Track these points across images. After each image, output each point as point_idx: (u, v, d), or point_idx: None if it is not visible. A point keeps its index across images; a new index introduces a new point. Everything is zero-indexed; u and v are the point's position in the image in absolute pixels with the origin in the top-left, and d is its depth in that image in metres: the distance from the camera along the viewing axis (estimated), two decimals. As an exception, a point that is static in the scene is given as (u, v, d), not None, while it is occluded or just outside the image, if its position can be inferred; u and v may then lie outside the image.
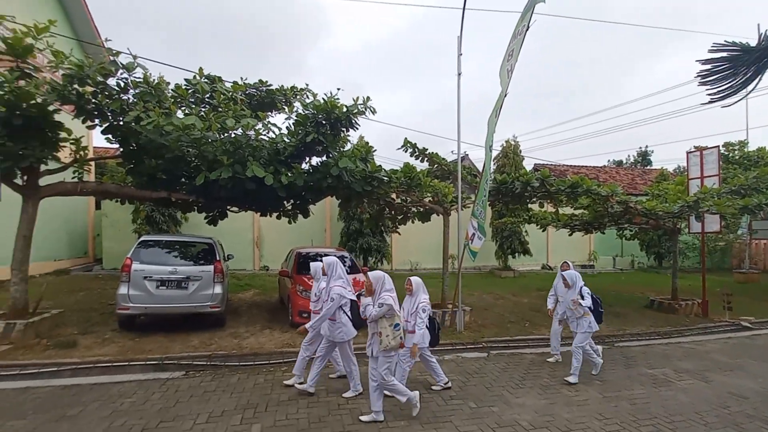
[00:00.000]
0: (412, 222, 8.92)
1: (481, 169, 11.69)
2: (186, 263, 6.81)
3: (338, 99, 6.07)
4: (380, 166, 6.77)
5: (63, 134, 6.07)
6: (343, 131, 6.39)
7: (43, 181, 6.40)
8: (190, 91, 6.41)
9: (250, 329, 7.16)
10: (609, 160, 40.68)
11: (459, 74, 7.16)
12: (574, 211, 10.03)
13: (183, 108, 5.85)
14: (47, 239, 11.78)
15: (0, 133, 5.32)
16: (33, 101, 5.34)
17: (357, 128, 6.28)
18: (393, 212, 8.47)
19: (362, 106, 6.11)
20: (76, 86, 5.33)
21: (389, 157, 16.46)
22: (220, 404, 4.38)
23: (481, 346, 6.77)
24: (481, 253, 7.46)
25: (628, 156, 41.18)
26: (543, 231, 13.42)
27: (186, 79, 6.53)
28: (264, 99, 7.49)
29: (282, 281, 8.92)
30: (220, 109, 5.98)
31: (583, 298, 5.39)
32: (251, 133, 5.77)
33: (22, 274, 6.18)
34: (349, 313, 4.54)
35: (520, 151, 16.42)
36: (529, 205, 10.56)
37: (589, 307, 5.38)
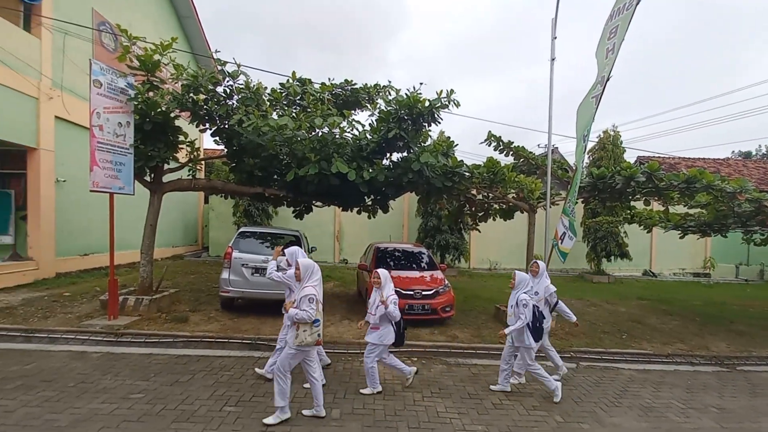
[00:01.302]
0: (493, 219, 8.54)
1: (572, 163, 10.75)
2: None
3: (420, 93, 6.03)
4: (461, 161, 6.57)
5: (181, 137, 7.03)
6: (425, 126, 6.33)
7: (165, 179, 7.44)
8: (283, 94, 6.92)
9: (330, 319, 7.49)
10: (734, 152, 34.49)
11: (552, 59, 6.60)
12: (688, 210, 8.68)
13: (277, 110, 6.35)
14: (167, 228, 13.72)
15: (135, 138, 6.35)
16: (159, 109, 6.28)
17: (439, 122, 6.18)
18: (473, 209, 8.19)
19: (446, 99, 5.98)
20: (191, 95, 6.12)
21: (471, 152, 16.03)
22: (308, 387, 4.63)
23: (569, 355, 6.24)
24: (570, 255, 6.85)
25: (759, 146, 34.45)
26: (647, 232, 11.87)
27: (280, 83, 7.08)
28: (349, 98, 7.77)
29: (360, 275, 9.19)
30: (309, 110, 6.35)
31: (524, 305, 4.63)
32: (336, 130, 6.03)
33: (148, 258, 7.26)
34: None
35: (621, 142, 14.73)
36: (632, 203, 9.39)
37: (529, 321, 4.62)
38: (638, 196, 7.60)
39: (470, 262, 15.70)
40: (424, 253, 8.67)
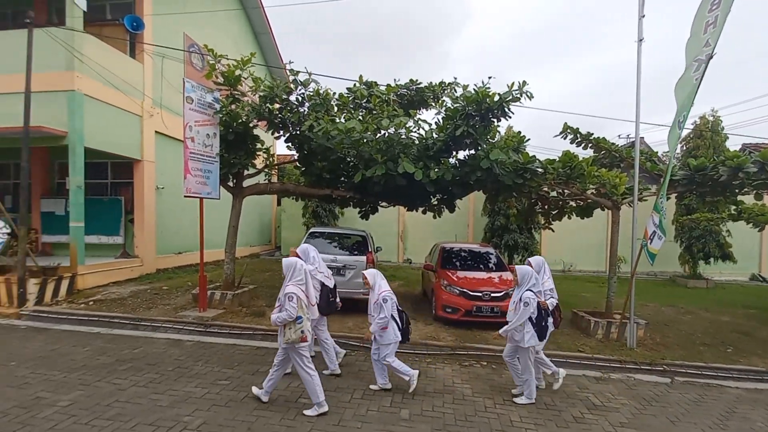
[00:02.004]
0: (569, 217, 7.95)
1: (661, 153, 9.66)
2: (343, 253, 7.62)
3: (489, 88, 5.82)
4: (533, 156, 6.22)
5: (258, 145, 7.60)
6: (494, 122, 6.10)
7: (245, 184, 8.06)
8: (350, 98, 7.14)
9: (396, 318, 7.56)
10: None
11: (640, 40, 5.94)
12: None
13: (345, 114, 6.57)
14: (245, 229, 14.87)
15: (220, 147, 7.00)
16: (240, 120, 6.84)
17: (510, 116, 5.91)
18: (546, 207, 7.70)
19: (517, 92, 5.70)
20: (268, 105, 6.57)
21: (541, 147, 15.12)
22: (373, 383, 4.72)
23: (662, 369, 5.61)
24: (659, 256, 6.15)
25: None
26: (759, 230, 10.23)
27: (347, 88, 7.33)
28: (414, 97, 7.77)
29: (426, 275, 9.14)
30: (374, 112, 6.47)
31: (526, 304, 4.21)
32: (402, 131, 6.05)
33: (231, 256, 7.94)
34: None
35: (722, 129, 12.90)
36: (739, 197, 8.16)
37: (533, 317, 4.24)
38: (746, 190, 6.57)
39: (541, 263, 14.85)
40: (491, 254, 8.37)
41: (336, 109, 6.60)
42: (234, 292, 7.71)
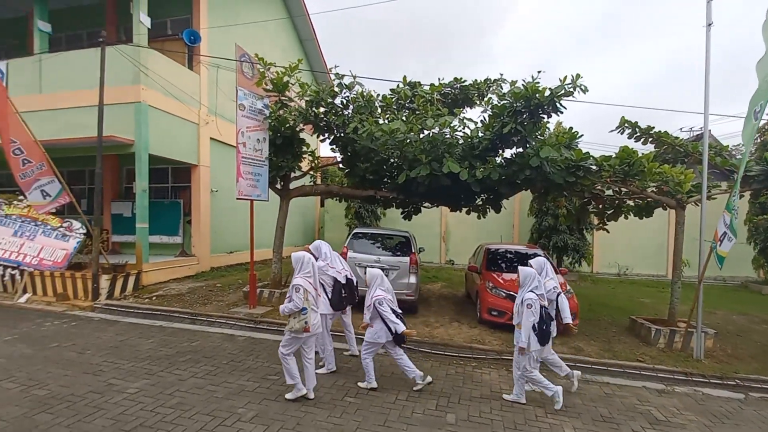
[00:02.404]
0: (625, 217, 7.46)
1: (731, 148, 8.82)
2: (387, 254, 7.65)
3: (539, 83, 5.60)
4: (587, 153, 5.88)
5: (304, 148, 7.85)
6: (543, 118, 5.85)
7: (291, 186, 8.34)
8: (394, 99, 7.17)
9: (439, 320, 7.45)
10: None
11: (709, 25, 5.47)
12: None
13: (389, 115, 6.61)
14: (289, 230, 15.38)
15: (269, 151, 7.31)
16: (288, 125, 7.10)
17: (562, 112, 5.65)
18: (601, 206, 7.26)
19: (570, 86, 5.43)
20: (314, 109, 6.76)
21: (595, 143, 14.33)
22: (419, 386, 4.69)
23: (734, 383, 5.10)
24: (729, 260, 5.61)
25: None
26: None
27: (391, 89, 7.37)
28: (458, 96, 7.66)
29: (470, 276, 8.97)
30: (418, 112, 6.44)
31: (529, 306, 4.15)
32: (447, 130, 5.98)
33: (279, 256, 8.24)
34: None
35: (806, 119, 11.49)
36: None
37: (535, 321, 4.14)
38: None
39: (593, 265, 14.04)
40: (539, 255, 8.04)
41: (380, 110, 6.65)
42: (281, 290, 7.98)
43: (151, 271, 9.23)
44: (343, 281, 4.94)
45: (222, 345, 5.82)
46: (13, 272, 8.20)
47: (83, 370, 4.68)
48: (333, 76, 6.63)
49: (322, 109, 6.83)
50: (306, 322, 3.96)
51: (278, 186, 8.11)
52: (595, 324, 7.33)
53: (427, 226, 14.98)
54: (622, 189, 6.57)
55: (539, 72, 5.60)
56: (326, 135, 7.27)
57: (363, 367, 4.57)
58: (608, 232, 8.21)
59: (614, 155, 6.07)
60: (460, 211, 8.51)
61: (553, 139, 5.84)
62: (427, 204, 8.59)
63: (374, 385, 4.53)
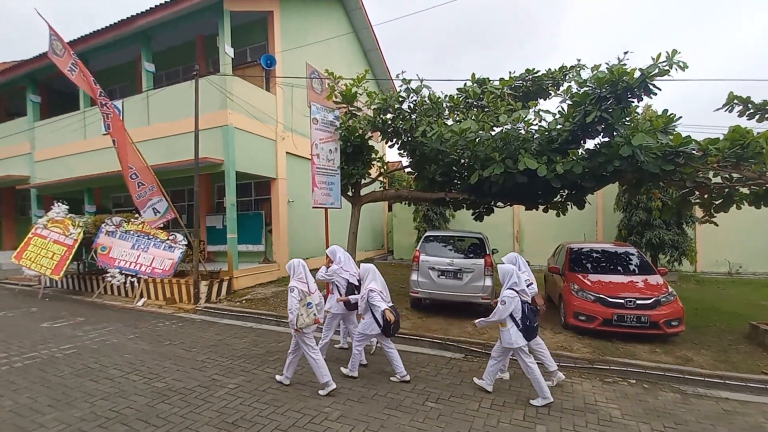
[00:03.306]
0: (738, 207, 6.43)
1: None
2: (460, 256, 7.50)
3: (625, 65, 5.09)
4: (688, 137, 5.19)
5: (373, 155, 8.06)
6: (633, 102, 5.31)
7: (362, 192, 8.61)
8: (461, 98, 7.04)
9: (521, 325, 7.12)
10: None
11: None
12: None
13: (457, 115, 6.50)
14: (359, 235, 15.81)
15: (340, 160, 7.64)
16: (357, 134, 7.35)
17: (656, 93, 5.07)
18: (706, 195, 6.35)
19: (665, 64, 4.85)
20: (381, 116, 6.91)
21: (692, 126, 12.66)
22: (501, 394, 4.49)
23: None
24: None
25: None
26: None
27: (458, 89, 7.24)
28: (530, 88, 7.29)
29: (550, 278, 8.43)
30: (486, 109, 6.24)
31: (503, 302, 4.22)
32: (521, 125, 5.70)
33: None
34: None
35: None
36: None
37: (517, 317, 4.21)
38: None
39: (697, 264, 12.34)
40: (632, 254, 7.28)
41: (447, 111, 6.57)
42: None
43: (241, 277, 10.10)
44: (356, 283, 5.23)
45: (305, 346, 6.14)
46: (132, 279, 9.53)
47: (191, 366, 5.26)
48: (399, 82, 6.73)
49: (389, 116, 6.95)
50: (315, 315, 4.39)
51: (349, 193, 8.40)
52: (705, 331, 6.44)
53: (499, 226, 14.39)
54: (734, 175, 5.68)
55: (625, 53, 5.08)
56: (394, 140, 7.38)
57: (351, 355, 4.96)
58: (716, 225, 7.17)
59: (722, 137, 5.27)
60: (537, 210, 8.05)
61: (647, 124, 5.24)
62: (500, 203, 8.26)
63: (356, 374, 4.90)
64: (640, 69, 5.00)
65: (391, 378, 4.86)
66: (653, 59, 4.97)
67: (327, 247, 8.00)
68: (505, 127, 5.71)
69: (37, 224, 10.66)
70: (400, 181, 14.77)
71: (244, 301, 8.85)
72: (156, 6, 10.18)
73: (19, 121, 14.75)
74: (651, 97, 5.24)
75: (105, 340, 6.36)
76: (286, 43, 11.70)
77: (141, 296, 9.33)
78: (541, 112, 5.79)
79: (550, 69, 7.26)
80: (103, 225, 9.96)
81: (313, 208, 7.54)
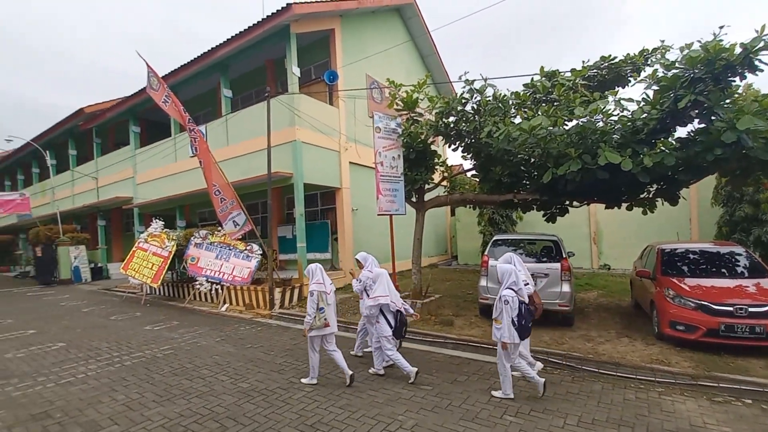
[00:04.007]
0: None
1: None
2: (533, 260, 7.09)
3: (721, 40, 4.48)
4: None
5: (435, 159, 7.98)
6: (734, 81, 4.64)
7: (426, 197, 8.54)
8: (528, 94, 6.70)
9: (602, 334, 6.52)
10: None
11: None
12: None
13: (525, 111, 6.18)
14: (423, 241, 15.75)
15: (404, 166, 7.67)
16: (419, 139, 7.34)
17: (762, 70, 4.39)
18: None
19: (771, 36, 4.20)
20: (443, 119, 6.82)
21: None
22: (588, 410, 4.12)
23: None
24: None
25: None
26: None
27: (524, 84, 6.90)
28: (606, 76, 6.72)
29: (638, 283, 7.63)
30: (557, 103, 5.86)
31: (506, 302, 4.23)
32: (599, 116, 5.24)
33: (418, 267, 8.46)
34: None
35: None
36: None
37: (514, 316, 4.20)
38: None
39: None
40: (739, 254, 6.34)
41: (513, 109, 6.28)
42: (422, 301, 8.14)
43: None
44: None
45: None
46: (216, 287, 10.40)
47: (270, 368, 5.56)
48: (462, 84, 6.57)
49: (451, 119, 6.83)
50: (325, 319, 4.77)
51: (413, 199, 8.38)
52: None
53: (573, 227, 13.35)
54: None
55: (721, 27, 4.46)
56: (457, 144, 7.23)
57: (373, 356, 5.33)
58: None
59: None
60: (619, 207, 7.34)
61: (754, 105, 4.54)
62: (575, 203, 7.67)
63: (382, 372, 5.24)
64: (742, 44, 4.34)
65: (370, 370, 5.30)
66: (757, 32, 4.29)
67: (393, 253, 8.11)
68: (581, 120, 5.28)
69: (139, 239, 12.13)
70: (463, 185, 14.43)
71: (314, 308, 9.20)
72: (232, 36, 11.19)
73: (123, 150, 17.02)
74: (756, 74, 4.53)
75: (196, 342, 6.98)
76: (347, 57, 12.15)
77: (224, 302, 10.14)
78: (622, 101, 5.27)
79: (628, 54, 6.61)
80: (192, 238, 11.04)
81: (378, 215, 7.65)
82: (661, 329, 5.86)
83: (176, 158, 14.19)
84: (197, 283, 10.45)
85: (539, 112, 5.73)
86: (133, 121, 16.27)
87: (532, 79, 6.78)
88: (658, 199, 6.69)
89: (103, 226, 18.63)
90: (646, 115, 5.13)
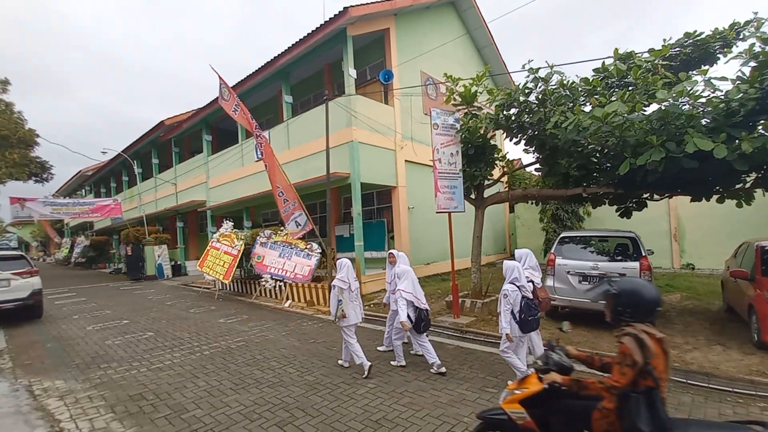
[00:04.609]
0: None
1: None
2: (607, 259, 6.58)
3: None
4: None
5: (495, 154, 7.70)
6: None
7: (485, 194, 8.29)
8: (599, 79, 6.18)
9: (689, 341, 5.88)
10: None
11: None
12: None
13: (597, 99, 5.71)
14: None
15: (462, 162, 7.50)
16: (478, 134, 7.11)
17: None
18: None
19: None
20: (504, 112, 6.55)
21: None
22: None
23: None
24: None
25: None
26: None
27: (594, 69, 6.39)
28: (691, 54, 6.02)
29: (731, 285, 6.78)
30: (632, 87, 5.34)
31: (505, 296, 4.50)
32: (684, 99, 4.70)
33: (477, 266, 8.23)
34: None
35: None
36: None
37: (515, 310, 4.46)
38: None
39: None
40: None
41: (582, 97, 5.83)
42: (483, 300, 7.91)
43: (368, 282, 10.70)
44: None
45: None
46: (280, 284, 10.95)
47: (333, 363, 5.72)
48: (525, 73, 6.24)
49: (513, 111, 6.53)
50: (342, 311, 5.19)
51: (472, 196, 8.16)
52: None
53: (649, 222, 12.18)
54: None
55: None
56: (519, 137, 6.90)
57: (394, 348, 5.63)
58: None
59: None
60: (708, 200, 6.54)
61: None
62: (656, 196, 6.96)
63: (403, 363, 5.50)
64: None
65: (431, 370, 5.23)
66: None
67: (452, 251, 7.95)
68: (663, 104, 4.76)
69: (212, 239, 13.15)
70: (522, 179, 13.79)
71: (371, 305, 9.33)
72: (292, 44, 11.73)
73: (198, 157, 18.56)
74: None
75: (265, 336, 7.40)
76: (401, 55, 12.17)
77: (287, 298, 10.64)
78: (712, 81, 4.67)
79: (717, 28, 5.84)
80: (257, 237, 11.73)
81: (437, 213, 7.55)
82: (762, 337, 5.18)
83: (243, 163, 15.17)
84: (263, 280, 11.08)
85: (613, 98, 5.26)
86: (205, 130, 17.68)
87: (603, 63, 6.24)
88: (757, 190, 5.85)
89: (181, 227, 20.48)
90: (742, 94, 4.48)
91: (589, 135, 5.05)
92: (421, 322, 5.24)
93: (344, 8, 10.09)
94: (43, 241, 50.91)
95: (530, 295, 4.55)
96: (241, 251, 11.93)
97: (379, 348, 6.26)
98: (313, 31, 11.03)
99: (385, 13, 11.51)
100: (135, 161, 22.11)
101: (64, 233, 39.08)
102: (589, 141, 5.32)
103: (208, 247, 12.90)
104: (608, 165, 6.18)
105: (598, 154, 6.21)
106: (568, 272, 6.67)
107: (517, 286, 4.50)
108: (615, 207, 7.74)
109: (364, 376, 5.09)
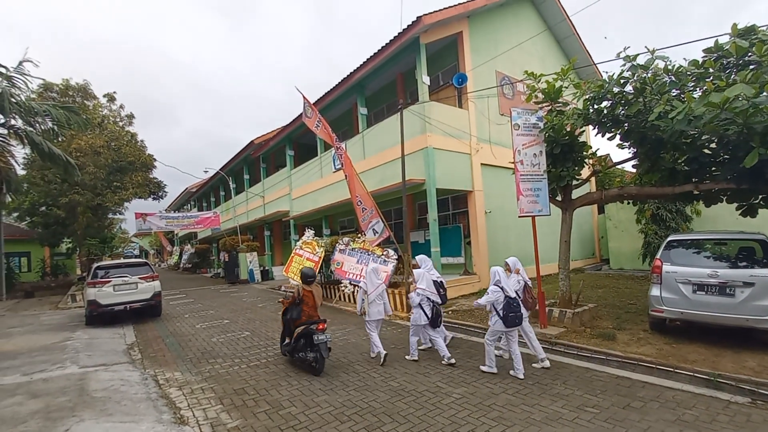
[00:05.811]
0: None
1: None
2: (729, 265, 5.66)
3: None
4: None
5: (584, 152, 7.10)
6: None
7: (573, 195, 7.70)
8: (713, 59, 5.37)
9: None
10: None
11: None
12: None
13: (712, 82, 4.95)
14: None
15: (547, 162, 7.06)
16: (564, 131, 6.63)
17: None
18: None
19: None
20: (595, 106, 6.02)
21: None
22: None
23: None
24: None
25: None
26: None
27: (704, 50, 5.57)
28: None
29: None
30: (752, 66, 4.54)
31: (488, 293, 5.31)
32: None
33: (566, 272, 7.63)
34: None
35: None
36: None
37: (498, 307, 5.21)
38: None
39: None
40: None
41: (691, 83, 5.10)
42: (573, 310, 7.30)
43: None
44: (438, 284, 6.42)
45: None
46: (358, 289, 11.26)
47: (416, 370, 5.70)
48: (621, 61, 5.65)
49: (605, 104, 5.96)
50: (362, 307, 6.21)
51: (558, 198, 7.62)
52: None
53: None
54: None
55: None
56: (613, 131, 6.26)
57: (409, 343, 6.26)
58: None
59: None
60: None
61: None
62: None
63: (416, 357, 6.14)
64: None
65: (442, 362, 5.82)
66: None
67: (536, 256, 7.46)
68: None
69: (296, 246, 14.05)
70: (613, 177, 12.51)
71: (450, 312, 9.15)
72: (367, 59, 12.18)
73: (282, 171, 20.12)
74: None
75: (347, 339, 7.67)
76: (476, 57, 11.93)
77: (367, 304, 10.91)
78: None
79: None
80: (337, 244, 12.24)
81: (519, 217, 7.18)
82: None
83: (321, 174, 16.04)
84: (342, 285, 11.50)
85: (732, 80, 4.52)
86: (288, 146, 19.11)
87: (716, 41, 5.38)
88: None
89: (268, 236, 22.28)
90: None
91: (702, 125, 4.39)
92: (437, 318, 5.96)
93: (417, 18, 10.19)
94: (158, 249, 59.15)
95: (513, 295, 5.21)
96: (322, 257, 12.55)
97: (420, 348, 6.57)
98: (386, 44, 11.31)
99: (458, 16, 11.37)
100: (230, 177, 24.68)
101: (174, 242, 44.97)
102: (703, 131, 4.63)
103: (292, 254, 13.79)
104: (726, 157, 5.32)
105: (713, 145, 5.37)
106: (680, 280, 5.86)
107: (500, 288, 5.20)
108: (735, 205, 6.62)
109: (380, 363, 5.92)
